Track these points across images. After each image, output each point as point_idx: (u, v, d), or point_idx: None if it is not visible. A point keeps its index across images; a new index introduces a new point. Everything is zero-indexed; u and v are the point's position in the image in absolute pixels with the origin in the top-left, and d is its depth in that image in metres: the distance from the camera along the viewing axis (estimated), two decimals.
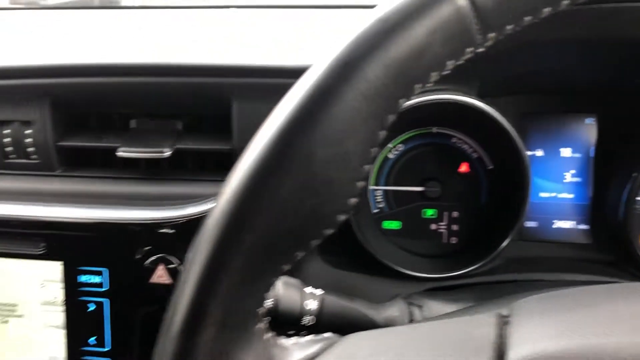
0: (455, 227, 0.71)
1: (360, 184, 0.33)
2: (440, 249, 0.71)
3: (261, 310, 0.33)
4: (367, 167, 0.32)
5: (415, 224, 0.71)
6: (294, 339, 0.36)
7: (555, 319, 0.32)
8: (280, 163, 0.31)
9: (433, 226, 0.71)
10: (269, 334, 0.34)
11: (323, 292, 0.49)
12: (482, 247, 0.67)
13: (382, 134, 0.32)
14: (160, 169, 0.64)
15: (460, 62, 0.33)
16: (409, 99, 0.32)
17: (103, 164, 0.65)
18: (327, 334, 0.36)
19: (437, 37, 0.30)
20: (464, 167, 0.70)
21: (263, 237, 0.31)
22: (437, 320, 0.37)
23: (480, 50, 0.33)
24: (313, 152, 0.31)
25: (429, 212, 0.71)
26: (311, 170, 0.31)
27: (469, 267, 0.65)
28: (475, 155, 0.69)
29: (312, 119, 0.31)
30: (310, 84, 0.31)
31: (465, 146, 0.69)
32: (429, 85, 0.32)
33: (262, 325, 0.34)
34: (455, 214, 0.71)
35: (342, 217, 0.33)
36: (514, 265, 0.68)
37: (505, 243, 0.64)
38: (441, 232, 0.71)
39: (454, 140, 0.69)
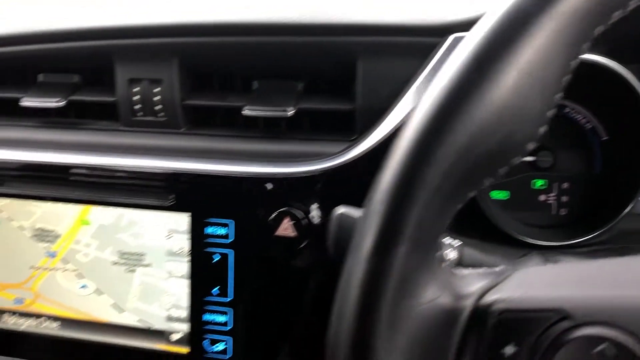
0: (565, 199, 0.70)
1: (551, 112, 0.33)
2: (548, 220, 0.70)
3: (442, 238, 0.34)
4: (558, 95, 0.33)
5: (524, 195, 0.70)
6: (468, 270, 0.36)
7: None
8: (476, 87, 0.31)
9: (542, 197, 0.70)
10: (446, 262, 0.35)
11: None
12: (593, 219, 0.66)
13: (574, 63, 0.33)
14: (278, 128, 0.65)
15: None
16: (605, 28, 0.32)
17: (223, 123, 0.67)
18: (498, 268, 0.37)
19: None
20: (576, 138, 0.69)
21: (455, 161, 0.32)
22: (610, 257, 0.36)
23: None
24: (509, 78, 0.31)
25: (539, 183, 0.70)
26: (506, 97, 0.31)
27: (582, 237, 0.64)
28: (589, 125, 0.68)
29: (510, 45, 0.31)
30: (507, 11, 0.32)
31: (578, 116, 0.68)
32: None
33: (441, 253, 0.34)
34: (565, 185, 0.70)
35: (531, 146, 0.33)
36: (625, 238, 0.67)
37: (624, 213, 0.63)
38: (550, 204, 0.70)
39: (567, 110, 0.68)
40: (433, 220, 0.32)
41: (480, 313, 0.33)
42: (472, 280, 0.35)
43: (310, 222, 0.59)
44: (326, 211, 0.59)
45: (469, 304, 0.33)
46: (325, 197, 0.59)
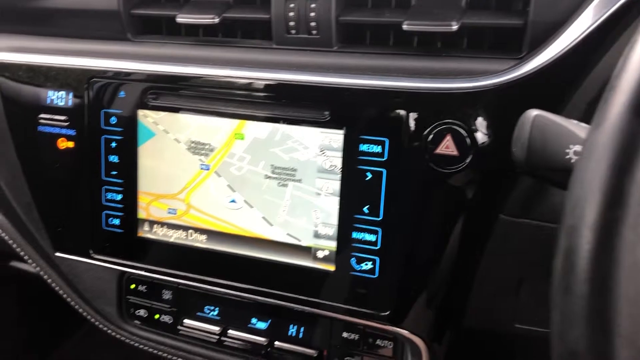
0: None
1: None
2: None
3: None
4: None
5: None
6: None
7: None
8: None
9: None
10: None
11: None
12: None
13: None
14: (433, 47, 0.63)
15: None
16: None
17: (375, 42, 0.65)
18: None
19: None
20: None
21: None
22: None
23: None
24: None
25: None
26: None
27: None
28: None
29: None
30: None
31: None
32: None
33: None
34: None
35: None
36: None
37: None
38: None
39: None
40: None
41: None
42: None
43: (473, 140, 0.57)
44: (494, 129, 0.57)
45: None
46: (493, 114, 0.57)
